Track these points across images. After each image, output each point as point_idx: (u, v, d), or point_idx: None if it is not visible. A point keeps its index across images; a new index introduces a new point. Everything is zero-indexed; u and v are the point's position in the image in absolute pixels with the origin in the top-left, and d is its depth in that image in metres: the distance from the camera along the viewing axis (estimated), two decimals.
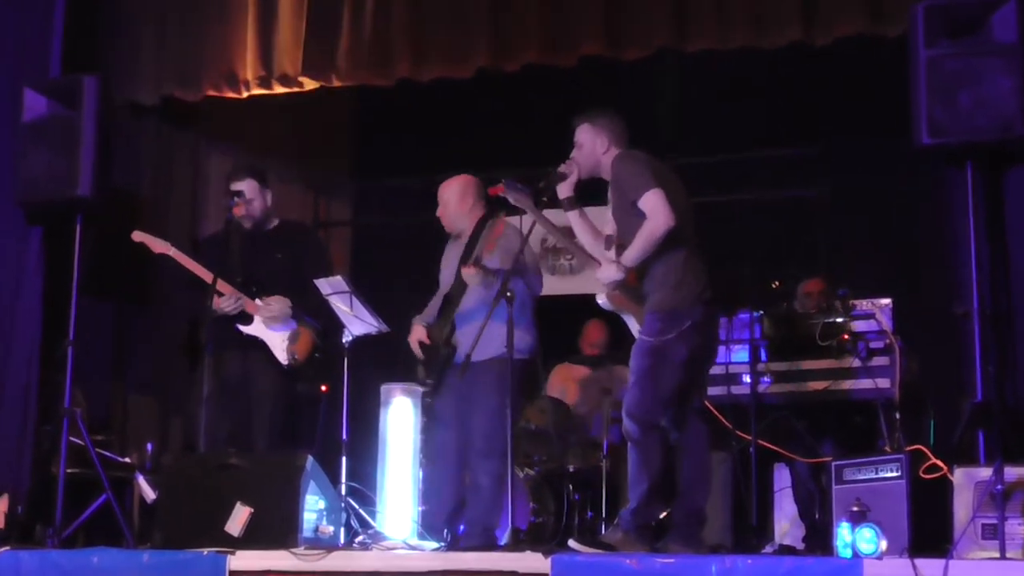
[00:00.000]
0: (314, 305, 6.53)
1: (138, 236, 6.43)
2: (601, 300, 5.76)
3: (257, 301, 6.44)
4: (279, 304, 6.49)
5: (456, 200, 6.39)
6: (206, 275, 6.34)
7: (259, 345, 6.48)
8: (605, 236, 5.85)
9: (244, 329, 6.46)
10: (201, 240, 6.73)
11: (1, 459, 6.76)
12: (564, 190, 5.82)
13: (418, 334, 6.29)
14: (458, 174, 6.44)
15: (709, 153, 8.60)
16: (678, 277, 5.53)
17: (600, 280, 5.70)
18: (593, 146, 5.76)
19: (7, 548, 5.64)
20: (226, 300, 6.40)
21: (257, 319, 6.46)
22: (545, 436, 7.49)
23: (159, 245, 6.38)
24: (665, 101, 8.60)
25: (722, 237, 8.35)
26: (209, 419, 6.43)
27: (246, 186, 6.61)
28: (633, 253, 5.54)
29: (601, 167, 5.76)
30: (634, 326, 5.72)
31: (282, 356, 6.51)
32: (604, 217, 5.91)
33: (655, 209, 5.46)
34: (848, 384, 6.13)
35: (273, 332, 6.50)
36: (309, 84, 7.38)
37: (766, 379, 6.25)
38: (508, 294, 5.70)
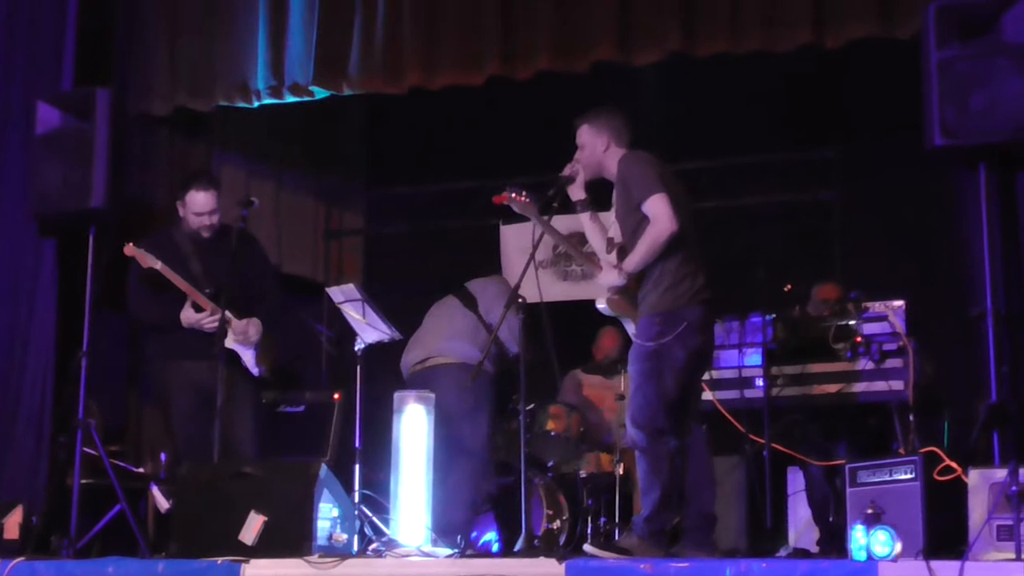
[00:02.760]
0: (273, 313, 6.56)
1: (130, 250, 6.38)
2: (601, 305, 5.73)
3: (227, 313, 6.32)
4: (256, 329, 6.48)
5: None
6: (191, 291, 6.33)
7: (233, 357, 6.43)
8: (607, 239, 5.84)
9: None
10: (150, 237, 6.60)
11: (17, 470, 6.80)
12: (576, 192, 5.83)
13: None
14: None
15: (722, 156, 8.60)
16: (673, 279, 5.50)
17: (601, 285, 5.69)
18: (594, 146, 5.76)
19: (22, 559, 5.64)
20: (207, 317, 6.36)
21: (231, 333, 6.40)
22: (558, 442, 7.48)
23: (149, 260, 6.34)
24: (678, 105, 8.60)
25: (736, 240, 8.37)
26: (182, 428, 6.43)
27: (205, 199, 6.52)
28: (635, 259, 5.53)
29: (603, 167, 5.76)
30: (633, 331, 5.69)
31: (255, 368, 6.52)
32: (611, 220, 5.91)
33: (659, 214, 5.45)
34: (862, 386, 6.11)
35: (243, 348, 6.50)
36: (320, 93, 7.39)
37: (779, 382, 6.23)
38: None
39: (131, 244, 6.38)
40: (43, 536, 6.30)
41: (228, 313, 6.29)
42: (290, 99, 7.45)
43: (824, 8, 6.49)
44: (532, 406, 6.98)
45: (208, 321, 6.34)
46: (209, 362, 6.19)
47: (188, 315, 6.36)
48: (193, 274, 6.43)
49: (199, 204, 6.51)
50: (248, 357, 6.48)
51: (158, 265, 6.32)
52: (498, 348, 6.69)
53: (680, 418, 5.55)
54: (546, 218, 5.83)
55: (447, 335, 6.93)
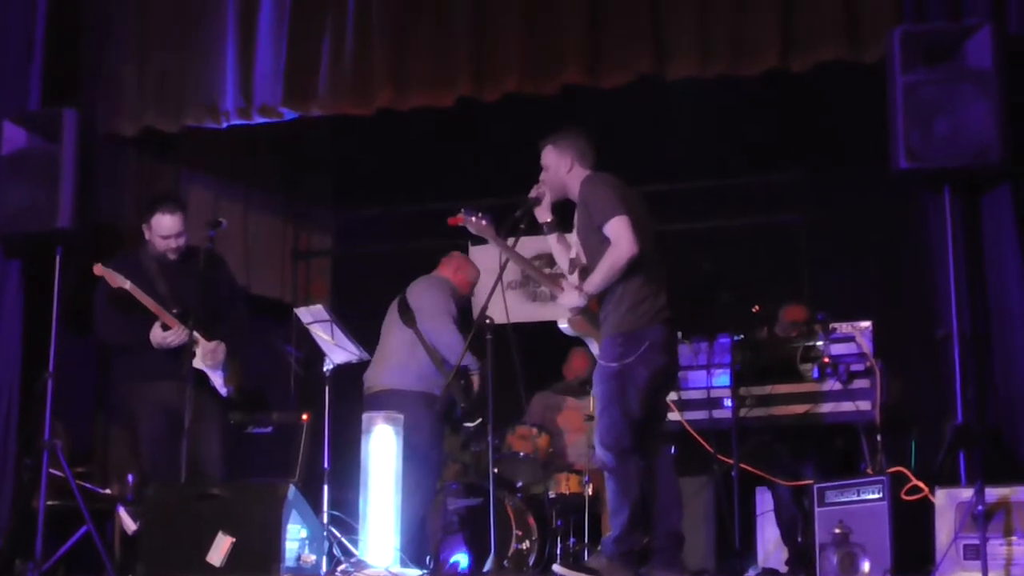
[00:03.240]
0: (237, 332, 6.58)
1: (99, 270, 6.35)
2: (563, 325, 5.77)
3: (195, 334, 6.32)
4: (222, 351, 6.48)
5: None
6: (160, 312, 6.31)
7: (199, 377, 6.40)
8: (569, 260, 5.86)
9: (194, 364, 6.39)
10: (118, 257, 6.58)
11: None
12: (542, 214, 5.86)
13: None
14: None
15: (690, 180, 8.65)
16: (634, 299, 5.53)
17: (562, 305, 5.72)
18: (558, 167, 5.80)
19: None
20: (172, 333, 6.34)
21: (199, 354, 6.39)
22: (527, 462, 7.49)
23: (118, 280, 6.32)
24: (646, 128, 8.64)
25: (703, 263, 8.40)
26: (148, 449, 6.40)
27: (171, 222, 6.51)
28: (596, 280, 5.56)
29: (568, 188, 5.79)
30: (596, 351, 5.72)
31: (223, 389, 6.51)
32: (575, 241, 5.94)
33: (619, 237, 5.48)
34: (829, 407, 6.15)
35: (211, 369, 6.49)
36: (290, 115, 7.39)
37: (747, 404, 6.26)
38: None
39: (99, 264, 6.35)
40: (8, 559, 6.25)
41: (196, 334, 6.27)
42: (259, 120, 7.44)
43: (791, 32, 6.52)
44: (479, 422, 6.90)
45: (173, 336, 6.32)
46: (177, 383, 6.17)
47: (156, 334, 6.34)
48: (160, 295, 6.41)
49: (165, 227, 6.50)
50: (216, 378, 6.46)
51: (127, 285, 6.30)
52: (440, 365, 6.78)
53: (647, 437, 5.56)
54: (511, 241, 5.84)
55: (382, 359, 7.03)
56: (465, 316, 7.21)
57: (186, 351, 6.23)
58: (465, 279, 7.29)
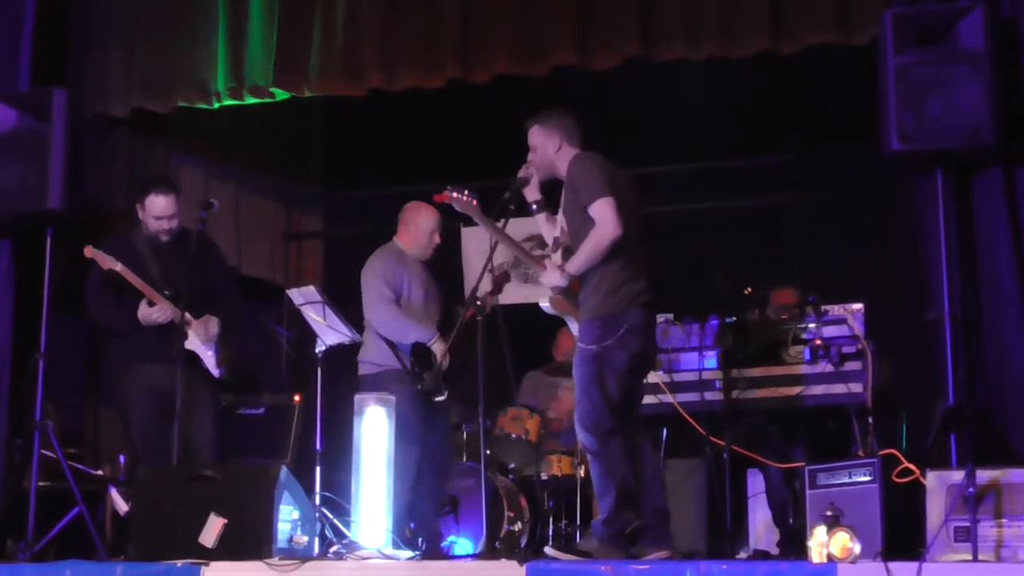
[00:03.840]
0: (229, 314, 6.56)
1: (90, 252, 6.33)
2: (544, 305, 5.77)
3: (186, 315, 6.31)
4: (214, 324, 6.47)
5: None
6: (151, 293, 6.30)
7: (191, 358, 6.40)
8: (553, 239, 5.86)
9: (186, 344, 6.37)
10: (109, 239, 6.58)
11: None
12: (531, 193, 5.86)
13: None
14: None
15: (681, 161, 8.64)
16: (613, 283, 5.53)
17: (544, 284, 5.71)
18: (546, 147, 5.79)
19: None
20: (157, 310, 6.32)
21: (192, 334, 6.40)
22: (519, 444, 7.50)
23: (108, 262, 6.30)
24: (637, 110, 8.63)
25: (694, 245, 8.41)
26: (139, 431, 6.39)
27: (165, 203, 6.49)
28: (578, 262, 5.56)
29: (556, 168, 5.78)
30: (576, 331, 5.71)
31: (215, 370, 6.50)
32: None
33: (603, 219, 5.48)
34: (820, 389, 6.15)
35: (205, 348, 6.48)
36: (280, 95, 7.37)
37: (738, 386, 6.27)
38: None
39: (90, 246, 6.33)
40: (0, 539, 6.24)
41: (187, 315, 6.26)
42: (250, 101, 7.42)
43: (781, 14, 6.52)
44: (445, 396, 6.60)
45: (158, 313, 6.30)
46: (168, 365, 6.15)
47: (143, 311, 6.32)
48: (152, 277, 6.40)
49: (158, 208, 6.49)
50: (208, 358, 6.45)
51: (118, 267, 6.28)
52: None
53: (626, 419, 5.57)
54: (501, 222, 5.83)
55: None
56: (445, 273, 7.07)
57: (177, 333, 6.21)
58: (414, 236, 6.78)
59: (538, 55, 6.92)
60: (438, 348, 6.49)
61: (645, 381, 5.89)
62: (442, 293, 6.83)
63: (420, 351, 6.48)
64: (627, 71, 6.95)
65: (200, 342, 6.41)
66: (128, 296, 6.33)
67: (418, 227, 6.78)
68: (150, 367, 6.35)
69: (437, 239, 6.80)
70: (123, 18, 7.62)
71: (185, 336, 6.28)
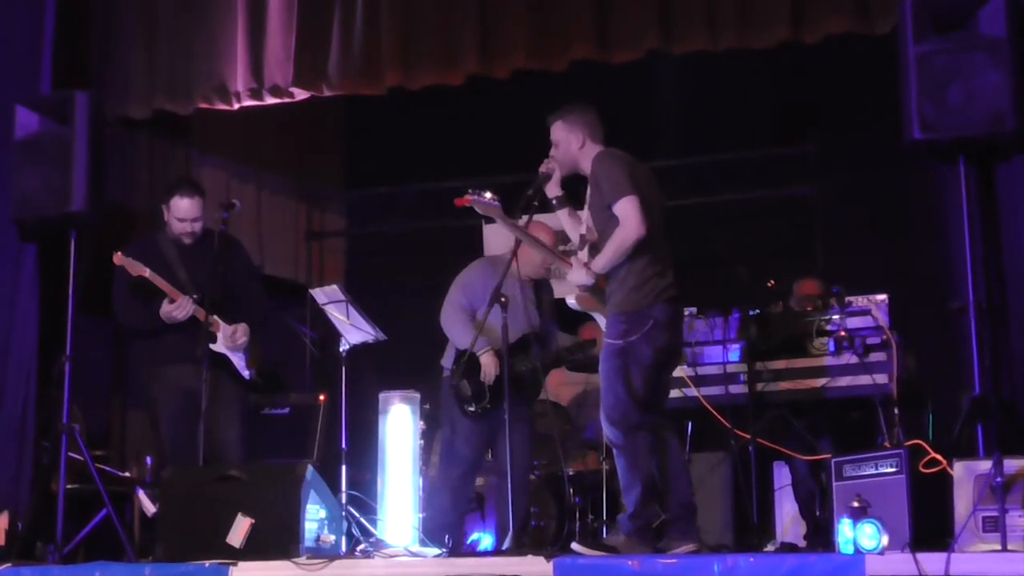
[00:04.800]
0: (257, 315, 6.58)
1: (119, 259, 6.38)
2: (570, 301, 5.78)
3: (214, 317, 6.33)
4: (243, 332, 6.49)
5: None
6: (178, 297, 6.33)
7: (219, 359, 6.44)
8: (580, 236, 5.85)
9: (213, 347, 6.41)
10: (134, 242, 6.62)
11: (1, 476, 6.75)
12: (552, 189, 5.85)
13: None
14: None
15: (701, 153, 8.63)
16: (639, 279, 5.53)
17: (570, 282, 5.71)
18: (569, 143, 5.79)
19: (8, 565, 5.61)
20: (176, 306, 6.35)
21: (220, 337, 6.43)
22: (544, 440, 7.49)
23: (137, 268, 6.34)
24: (657, 102, 8.62)
25: (716, 237, 8.39)
26: (169, 432, 6.42)
27: (189, 206, 6.54)
28: (603, 260, 5.56)
29: (579, 164, 5.78)
30: (603, 325, 5.71)
31: (245, 372, 6.53)
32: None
33: (627, 217, 5.48)
34: (846, 381, 6.13)
35: (232, 352, 6.51)
36: (300, 95, 7.39)
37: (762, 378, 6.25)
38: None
39: (119, 253, 6.38)
40: (29, 542, 6.26)
41: (215, 317, 6.28)
42: (270, 101, 7.44)
43: (802, 4, 6.51)
44: (482, 406, 6.63)
45: (178, 309, 6.33)
46: (195, 366, 6.18)
47: (165, 308, 6.36)
48: (179, 279, 6.43)
49: (183, 210, 6.53)
50: (238, 360, 6.48)
51: (147, 273, 6.33)
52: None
53: (652, 413, 5.57)
54: (523, 219, 5.83)
55: None
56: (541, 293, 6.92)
57: (203, 334, 6.24)
58: (525, 258, 6.41)
59: (557, 50, 6.92)
60: (485, 360, 6.51)
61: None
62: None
63: (468, 360, 6.42)
64: (646, 63, 6.95)
65: (227, 348, 6.43)
66: (156, 301, 6.37)
67: (529, 255, 6.53)
68: (178, 368, 6.38)
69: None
70: (143, 20, 7.65)
71: (213, 338, 6.31)
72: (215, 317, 6.32)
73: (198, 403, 6.07)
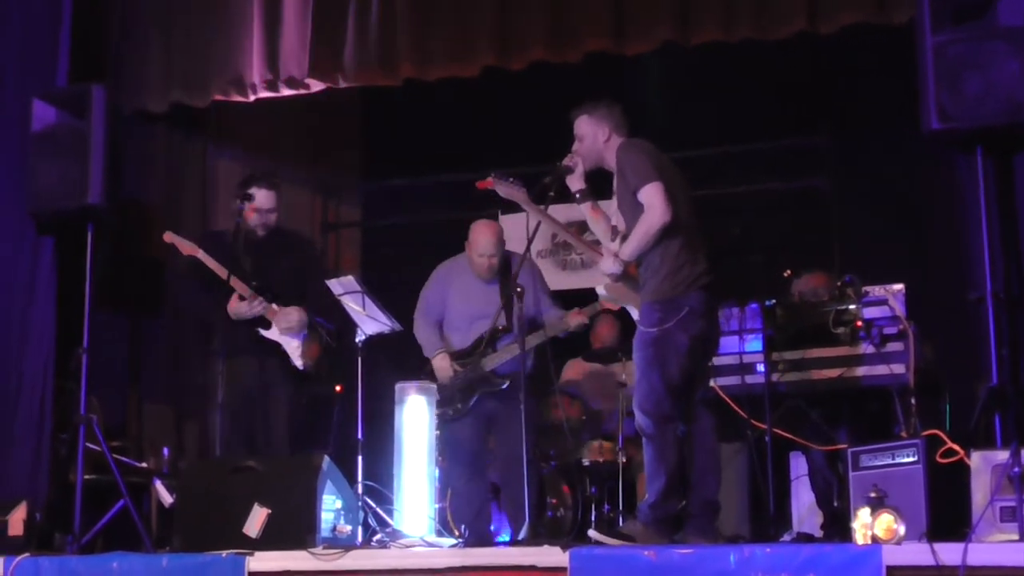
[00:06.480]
0: (317, 311, 6.70)
1: (169, 237, 6.58)
2: (601, 291, 5.80)
3: (273, 306, 6.51)
4: (298, 314, 6.60)
5: None
6: (234, 281, 6.43)
7: (274, 350, 6.55)
8: (612, 227, 5.85)
9: (264, 334, 6.54)
10: (204, 233, 6.79)
11: (19, 467, 6.79)
12: (575, 183, 5.85)
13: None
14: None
15: (716, 145, 8.61)
16: (672, 266, 5.53)
17: (601, 272, 5.72)
18: (595, 137, 5.79)
19: (26, 555, 5.65)
20: (246, 304, 6.47)
21: (273, 323, 6.53)
22: (560, 431, 7.50)
23: (187, 247, 6.51)
24: (672, 94, 8.60)
25: (732, 228, 8.35)
26: (225, 425, 6.47)
27: (267, 197, 6.74)
28: (630, 247, 5.56)
29: (604, 157, 5.78)
30: (636, 316, 5.72)
31: (299, 361, 6.59)
32: (612, 209, 5.93)
33: (652, 203, 5.48)
34: (862, 371, 6.12)
35: (289, 338, 6.58)
36: (316, 86, 7.40)
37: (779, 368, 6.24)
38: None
39: (169, 232, 6.51)
40: (47, 532, 6.30)
41: (274, 306, 6.50)
42: (286, 92, 7.45)
43: None
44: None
45: (246, 308, 6.52)
46: (251, 357, 6.44)
47: (234, 305, 6.50)
48: (244, 270, 6.56)
49: (261, 201, 6.68)
50: (293, 348, 6.55)
51: (199, 253, 6.46)
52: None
53: (687, 402, 5.57)
54: (542, 206, 5.84)
55: None
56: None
57: (257, 324, 6.45)
58: (470, 253, 6.91)
59: (572, 41, 6.92)
60: (435, 363, 6.84)
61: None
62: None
63: (430, 367, 6.83)
64: (662, 54, 6.93)
65: (279, 331, 6.52)
66: (215, 288, 6.47)
67: (472, 248, 6.90)
68: (240, 360, 6.54)
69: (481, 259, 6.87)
70: (159, 13, 7.67)
71: (266, 324, 6.50)
72: (272, 305, 6.49)
73: (250, 392, 6.32)
